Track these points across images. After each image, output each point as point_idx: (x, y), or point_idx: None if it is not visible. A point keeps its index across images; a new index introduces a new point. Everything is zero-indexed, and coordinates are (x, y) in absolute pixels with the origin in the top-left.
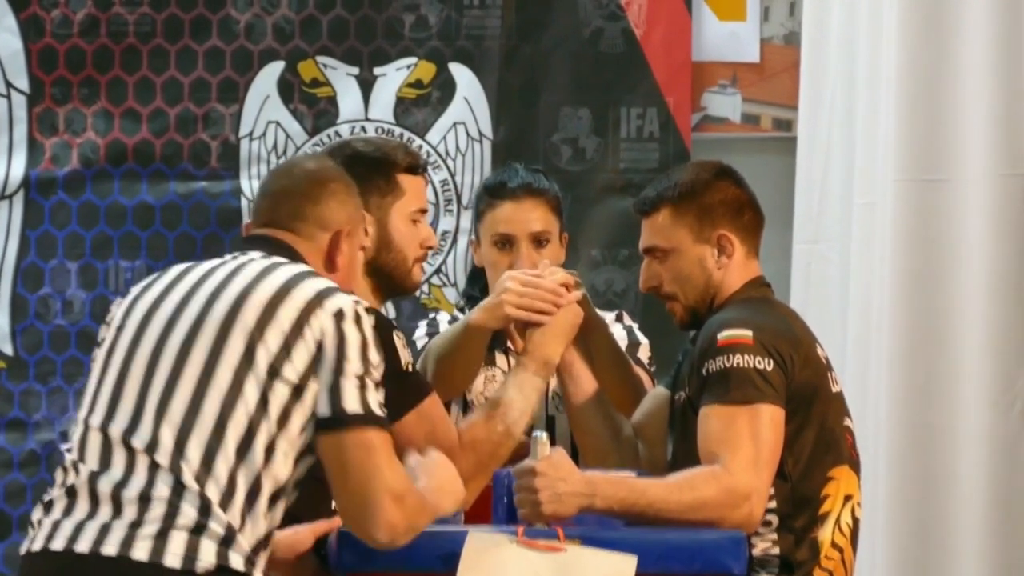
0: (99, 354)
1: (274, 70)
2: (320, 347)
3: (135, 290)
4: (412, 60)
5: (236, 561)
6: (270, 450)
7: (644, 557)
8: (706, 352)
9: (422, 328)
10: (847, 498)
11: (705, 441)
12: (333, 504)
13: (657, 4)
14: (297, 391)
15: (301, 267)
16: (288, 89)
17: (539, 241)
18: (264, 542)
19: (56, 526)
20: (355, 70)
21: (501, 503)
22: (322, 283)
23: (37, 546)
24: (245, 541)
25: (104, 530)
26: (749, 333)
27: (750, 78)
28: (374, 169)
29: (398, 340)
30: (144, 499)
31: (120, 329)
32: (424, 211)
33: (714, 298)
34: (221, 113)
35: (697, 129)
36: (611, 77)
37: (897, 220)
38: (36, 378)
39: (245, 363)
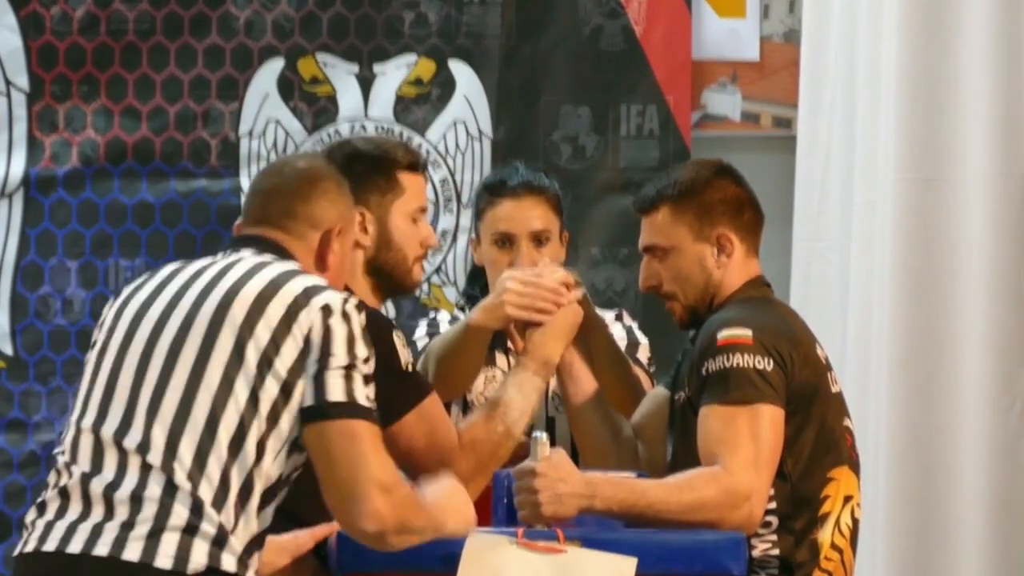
0: (91, 356)
1: (274, 67)
2: (307, 342)
3: (125, 291)
4: (412, 58)
5: (228, 562)
6: (261, 448)
7: (644, 558)
8: (706, 352)
9: (422, 328)
10: (847, 499)
11: (705, 441)
12: None
13: (657, 2)
14: (286, 388)
15: (290, 265)
16: (288, 87)
17: (539, 239)
18: (257, 542)
19: (49, 527)
20: (355, 68)
21: (501, 504)
22: (310, 280)
23: (30, 548)
24: (237, 541)
25: (96, 531)
26: (749, 333)
27: (750, 76)
28: (374, 167)
29: (398, 340)
30: (136, 499)
31: (111, 331)
32: (424, 210)
33: (714, 297)
34: (221, 111)
35: (697, 127)
36: (611, 75)
37: (897, 220)
38: (36, 378)
39: (235, 361)
